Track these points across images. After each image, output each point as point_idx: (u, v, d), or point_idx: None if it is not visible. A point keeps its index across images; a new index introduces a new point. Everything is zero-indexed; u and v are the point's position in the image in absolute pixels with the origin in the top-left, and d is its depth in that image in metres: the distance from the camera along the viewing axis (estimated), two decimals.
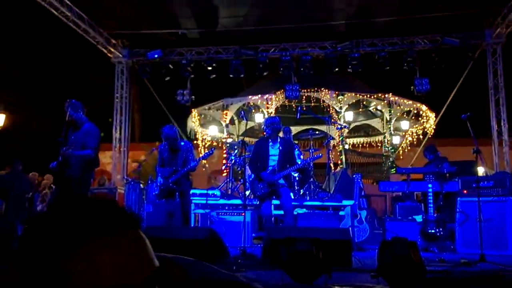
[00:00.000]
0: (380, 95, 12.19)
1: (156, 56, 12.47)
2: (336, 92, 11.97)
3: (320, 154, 7.21)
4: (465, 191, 7.19)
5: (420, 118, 13.05)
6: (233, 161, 9.45)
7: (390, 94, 12.13)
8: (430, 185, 7.28)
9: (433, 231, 6.95)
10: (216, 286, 1.68)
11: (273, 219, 6.84)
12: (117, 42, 12.77)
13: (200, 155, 7.18)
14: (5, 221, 8.98)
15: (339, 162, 12.33)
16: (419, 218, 7.43)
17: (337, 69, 11.90)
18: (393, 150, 13.51)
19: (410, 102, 12.45)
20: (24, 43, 17.28)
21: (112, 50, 12.80)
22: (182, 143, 7.32)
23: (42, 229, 0.78)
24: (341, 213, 8.10)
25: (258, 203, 6.77)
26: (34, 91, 18.11)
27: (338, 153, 12.58)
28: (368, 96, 12.26)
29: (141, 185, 10.54)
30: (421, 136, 13.06)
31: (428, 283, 3.02)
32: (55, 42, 16.15)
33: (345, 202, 8.18)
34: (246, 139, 12.30)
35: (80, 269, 0.73)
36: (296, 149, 7.98)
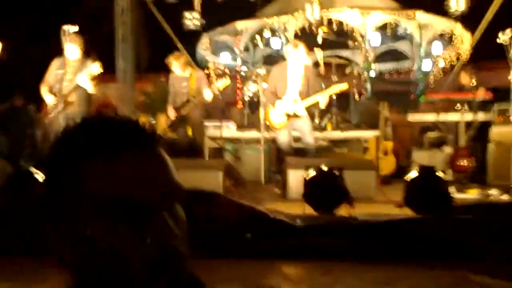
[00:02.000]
0: (409, 13, 11.90)
1: None
2: (361, 12, 11.71)
3: (345, 84, 7.21)
4: (500, 118, 7.22)
5: (453, 41, 12.79)
6: (248, 92, 9.52)
7: (421, 11, 11.85)
8: (462, 114, 7.33)
9: (463, 162, 7.07)
10: (238, 212, 1.84)
11: (292, 150, 6.97)
12: None
13: (215, 84, 7.23)
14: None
15: (363, 90, 12.29)
16: (448, 149, 7.54)
17: None
18: (423, 77, 13.38)
19: (444, 21, 12.16)
20: None
21: None
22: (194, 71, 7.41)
23: (65, 149, 0.86)
24: (365, 144, 8.24)
25: (276, 133, 6.89)
26: (30, 17, 18.01)
27: (363, 81, 12.51)
28: (397, 15, 11.98)
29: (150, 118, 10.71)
30: (454, 60, 12.86)
31: (453, 211, 3.17)
32: None
33: (369, 133, 8.30)
34: (262, 68, 12.27)
35: (95, 177, 0.81)
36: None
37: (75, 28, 6.22)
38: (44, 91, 6.74)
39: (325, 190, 3.46)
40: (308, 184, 3.55)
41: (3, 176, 5.15)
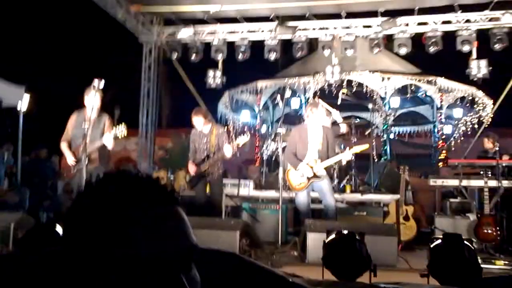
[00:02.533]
0: (430, 79, 11.97)
1: (186, 34, 12.56)
2: (381, 76, 11.82)
3: (366, 145, 7.14)
4: None
5: (475, 106, 12.77)
6: (267, 150, 9.50)
7: (442, 77, 11.90)
8: (486, 180, 7.16)
9: (489, 230, 6.84)
10: (255, 276, 1.74)
11: (310, 211, 6.85)
12: (145, 20, 12.93)
13: (234, 141, 7.22)
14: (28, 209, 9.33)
15: (383, 152, 12.21)
16: (473, 216, 7.32)
17: (382, 50, 11.77)
18: (443, 141, 13.28)
19: (465, 87, 12.18)
20: (50, 22, 17.70)
21: (141, 28, 12.96)
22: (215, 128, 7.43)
23: (88, 203, 0.85)
24: (384, 208, 8.06)
25: (295, 194, 6.80)
26: (61, 72, 18.56)
27: (382, 143, 12.46)
28: (417, 80, 12.06)
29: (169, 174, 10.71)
30: (476, 126, 12.78)
31: (483, 284, 2.99)
32: (82, 20, 16.50)
33: (389, 197, 8.13)
34: (281, 127, 12.32)
35: (114, 236, 0.81)
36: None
37: (102, 83, 6.31)
38: (64, 147, 6.78)
39: (346, 255, 3.31)
40: (328, 248, 3.42)
41: (24, 228, 5.11)
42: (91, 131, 6.41)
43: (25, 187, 10.49)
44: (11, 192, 9.70)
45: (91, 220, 0.83)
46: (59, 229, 4.22)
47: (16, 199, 9.57)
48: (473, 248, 3.14)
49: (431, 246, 3.14)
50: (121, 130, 6.43)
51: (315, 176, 6.48)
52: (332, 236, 3.37)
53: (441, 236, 3.23)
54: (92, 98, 6.45)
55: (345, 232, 3.34)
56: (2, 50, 16.27)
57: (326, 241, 3.40)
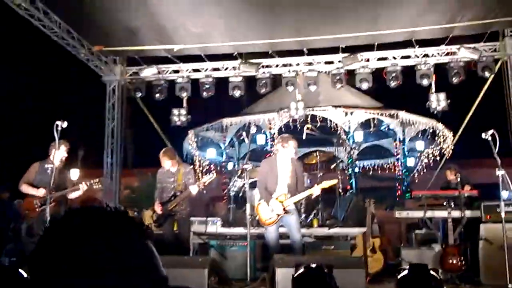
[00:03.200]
0: (392, 112, 12.27)
1: (150, 73, 12.59)
2: (345, 110, 12.05)
3: (335, 180, 7.22)
4: (488, 217, 7.21)
5: (436, 138, 13.11)
6: (234, 187, 9.49)
7: (403, 111, 12.22)
8: (449, 211, 7.31)
9: (454, 261, 6.95)
10: None
11: (279, 246, 6.83)
12: (108, 59, 12.93)
13: (201, 180, 7.25)
14: None
15: (349, 186, 12.35)
16: (438, 247, 7.43)
17: (344, 85, 12.04)
18: (407, 173, 13.54)
19: (426, 120, 12.51)
20: (9, 60, 17.46)
21: (103, 68, 12.93)
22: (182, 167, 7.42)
23: (54, 237, 0.86)
24: (352, 241, 8.12)
25: (264, 229, 6.78)
26: (20, 110, 18.22)
27: (348, 177, 12.61)
28: (380, 114, 12.34)
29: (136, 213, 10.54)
30: (438, 158, 13.09)
31: None
32: (41, 59, 16.35)
33: (356, 230, 8.20)
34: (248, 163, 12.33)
35: (87, 271, 0.80)
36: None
37: (65, 124, 6.28)
38: (25, 187, 7.11)
39: None
40: (297, 282, 3.41)
41: None
42: (57, 179, 6.58)
43: None
44: None
45: (57, 254, 0.82)
46: (22, 272, 4.09)
47: None
48: (439, 277, 3.19)
49: (398, 277, 3.17)
50: (96, 182, 7.10)
51: (284, 211, 6.49)
52: (301, 270, 3.38)
53: (408, 267, 3.27)
54: (60, 152, 6.93)
55: (314, 265, 3.35)
56: None
57: (295, 275, 3.40)
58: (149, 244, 0.90)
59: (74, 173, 10.94)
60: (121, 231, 0.87)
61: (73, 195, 7.12)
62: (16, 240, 10.88)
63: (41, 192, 6.85)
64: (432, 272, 3.16)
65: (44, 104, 17.40)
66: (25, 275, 4.05)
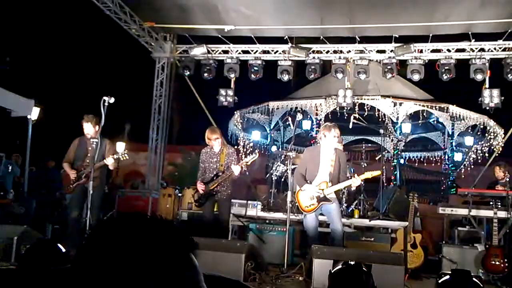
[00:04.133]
0: (442, 106, 11.94)
1: (199, 52, 12.65)
2: (394, 101, 11.81)
3: (378, 171, 7.08)
4: None
5: (486, 134, 12.71)
6: (276, 172, 9.47)
7: (454, 105, 11.87)
8: (495, 210, 7.09)
9: (497, 262, 6.76)
10: None
11: (317, 235, 6.79)
12: (159, 36, 13.06)
13: (243, 160, 7.24)
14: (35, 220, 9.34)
15: (393, 177, 12.15)
16: (481, 247, 7.24)
17: (395, 76, 11.79)
18: (454, 168, 13.20)
19: (477, 115, 12.13)
20: (61, 36, 17.91)
21: (153, 44, 13.08)
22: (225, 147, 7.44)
23: (103, 241, 0.85)
24: (392, 235, 7.99)
25: (303, 216, 6.75)
26: (71, 84, 18.72)
27: (392, 168, 12.41)
28: (429, 106, 12.03)
29: (177, 191, 10.71)
30: (486, 154, 12.71)
31: None
32: (93, 34, 16.68)
33: (397, 223, 8.07)
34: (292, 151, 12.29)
35: (129, 277, 0.80)
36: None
37: (112, 99, 6.39)
38: (65, 166, 7.43)
39: (352, 287, 3.28)
40: (334, 278, 3.39)
41: (27, 242, 5.11)
42: (92, 152, 6.92)
43: (32, 198, 10.51)
44: (17, 203, 9.72)
45: (99, 262, 0.82)
46: (61, 246, 4.22)
47: (21, 210, 9.58)
48: (481, 285, 3.09)
49: (439, 281, 3.10)
50: (123, 154, 7.10)
51: (325, 199, 6.43)
52: (339, 266, 3.35)
53: (450, 272, 3.19)
54: (89, 127, 7.16)
55: (352, 263, 3.31)
56: (17, 64, 16.49)
57: (332, 271, 3.38)
58: (192, 258, 0.89)
59: (120, 146, 11.17)
60: (165, 242, 0.85)
61: (110, 167, 7.29)
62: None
63: (73, 175, 7.24)
64: (474, 279, 3.07)
65: (93, 78, 17.79)
66: (63, 249, 4.20)
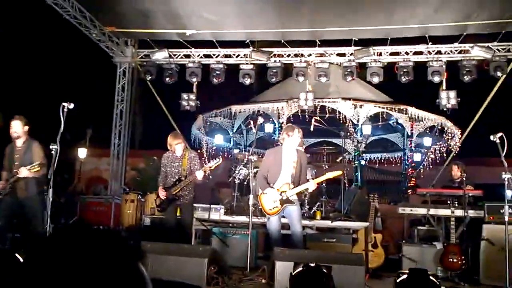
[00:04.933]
0: (401, 107, 12.16)
1: (161, 57, 12.54)
2: (354, 103, 11.96)
3: (339, 171, 7.12)
4: (491, 217, 7.14)
5: (444, 135, 13.00)
6: (238, 175, 9.46)
7: (413, 107, 12.11)
8: (452, 209, 7.26)
9: (454, 259, 6.91)
10: None
11: (280, 237, 6.79)
12: (120, 41, 12.88)
13: (206, 165, 7.21)
14: None
15: (354, 179, 12.29)
16: (439, 245, 7.39)
17: (355, 78, 11.94)
18: (413, 168, 13.46)
19: (434, 117, 12.40)
20: (18, 41, 17.44)
21: (115, 49, 12.89)
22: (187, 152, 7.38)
23: (49, 255, 0.84)
24: (354, 235, 8.08)
25: (266, 219, 6.74)
26: (29, 91, 18.24)
27: (353, 169, 12.55)
28: (389, 108, 12.24)
29: (140, 196, 10.55)
30: (444, 154, 13.00)
31: None
32: (53, 39, 16.31)
33: (359, 224, 8.16)
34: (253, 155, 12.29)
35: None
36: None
37: (71, 105, 6.24)
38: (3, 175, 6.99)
39: None
40: (295, 280, 3.38)
41: None
42: (20, 159, 6.67)
43: None
44: None
45: (44, 273, 0.81)
46: (18, 256, 4.10)
47: None
48: (437, 283, 3.14)
49: (397, 280, 3.13)
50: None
51: (288, 201, 6.43)
52: (299, 268, 3.34)
53: (407, 271, 3.23)
54: (18, 126, 6.77)
55: (312, 265, 3.31)
56: None
57: (293, 273, 3.37)
58: (139, 267, 0.89)
59: (82, 152, 10.88)
60: (112, 252, 0.86)
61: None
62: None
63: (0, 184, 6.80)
64: (431, 277, 3.11)
65: (53, 85, 17.39)
66: (21, 259, 4.07)
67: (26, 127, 6.82)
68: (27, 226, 6.84)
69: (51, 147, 6.84)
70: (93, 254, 0.83)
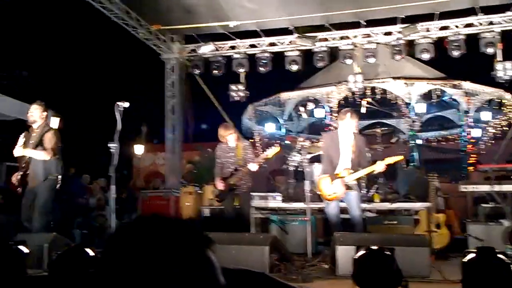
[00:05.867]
0: (455, 83, 11.76)
1: (207, 50, 12.65)
2: (405, 82, 11.65)
3: (401, 156, 6.96)
4: None
5: (503, 108, 12.49)
6: (292, 162, 9.42)
7: (467, 81, 11.68)
8: None
9: None
10: None
11: (340, 222, 6.72)
12: (166, 38, 13.07)
13: (263, 153, 7.19)
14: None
15: (411, 159, 12.00)
16: (506, 222, 7.10)
17: (404, 56, 11.64)
18: (473, 144, 13.01)
19: (491, 90, 11.91)
20: (72, 43, 18.02)
21: (162, 46, 13.10)
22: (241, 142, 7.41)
23: (129, 245, 0.89)
24: (415, 216, 7.89)
25: (325, 204, 6.67)
26: (84, 92, 18.84)
27: (409, 149, 12.26)
28: (442, 84, 11.85)
29: (197, 188, 10.72)
30: (505, 128, 12.48)
31: None
32: (103, 42, 16.75)
33: (419, 205, 7.96)
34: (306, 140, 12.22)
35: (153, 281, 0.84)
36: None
37: (126, 104, 6.37)
38: None
39: (376, 272, 3.22)
40: (358, 264, 3.33)
41: (57, 248, 5.16)
42: (33, 145, 6.59)
43: (56, 204, 10.60)
44: None
45: (120, 264, 0.86)
46: (89, 251, 4.25)
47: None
48: (507, 261, 3.01)
49: (464, 260, 3.02)
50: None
51: (347, 186, 6.34)
52: (362, 252, 3.29)
53: (474, 250, 3.11)
54: (34, 112, 6.74)
55: (375, 247, 3.25)
56: (33, 77, 16.69)
57: (356, 257, 3.32)
58: (208, 254, 0.93)
59: (139, 149, 11.09)
60: (182, 241, 0.90)
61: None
62: (85, 213, 11.39)
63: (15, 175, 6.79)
64: (500, 255, 2.99)
65: (107, 85, 17.89)
66: (91, 253, 4.22)
67: (44, 113, 6.79)
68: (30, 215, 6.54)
69: (109, 145, 7.02)
70: (168, 242, 0.88)
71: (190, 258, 0.88)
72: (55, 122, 11.19)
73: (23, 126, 9.52)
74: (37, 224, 6.40)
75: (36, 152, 6.55)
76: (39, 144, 6.59)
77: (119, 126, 6.49)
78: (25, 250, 4.55)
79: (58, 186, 6.74)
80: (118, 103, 6.39)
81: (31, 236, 5.73)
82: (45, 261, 5.57)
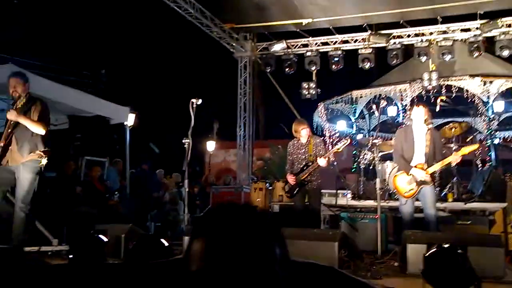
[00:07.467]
0: None
1: (279, 48, 12.78)
2: (483, 80, 11.24)
3: (476, 145, 6.79)
4: None
5: None
6: (364, 160, 9.38)
7: None
8: None
9: None
10: None
11: (413, 221, 6.61)
12: (239, 36, 13.32)
13: (333, 148, 7.22)
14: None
15: (487, 158, 11.58)
16: None
17: (481, 54, 11.24)
18: None
19: None
20: (149, 43, 18.73)
21: (235, 44, 13.36)
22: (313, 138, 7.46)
23: (208, 232, 0.97)
24: (490, 217, 7.65)
25: (400, 202, 6.57)
26: (160, 90, 19.54)
27: (486, 149, 11.83)
28: None
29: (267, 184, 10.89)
30: None
31: None
32: (178, 41, 17.31)
33: (495, 205, 7.71)
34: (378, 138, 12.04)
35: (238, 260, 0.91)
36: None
37: (200, 101, 6.61)
38: None
39: (447, 269, 3.21)
40: (428, 261, 3.33)
41: (133, 238, 5.46)
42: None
43: (133, 198, 11.12)
44: (120, 204, 10.30)
45: (207, 252, 0.94)
46: (164, 241, 4.50)
47: (125, 210, 10.15)
48: None
49: None
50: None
51: (424, 182, 6.22)
52: (433, 249, 3.29)
53: None
54: (15, 86, 5.54)
55: (446, 245, 3.25)
56: (111, 75, 17.51)
57: (427, 254, 3.33)
58: (282, 236, 1.03)
59: (210, 145, 11.36)
60: (259, 224, 0.97)
61: None
62: (159, 207, 11.88)
63: None
64: None
65: (181, 83, 18.45)
66: (165, 243, 4.46)
67: (27, 84, 5.60)
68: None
69: (184, 141, 7.28)
70: (247, 228, 0.95)
71: (269, 239, 0.96)
72: (131, 118, 11.76)
73: (103, 122, 10.08)
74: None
75: (32, 123, 5.47)
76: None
77: (192, 122, 6.75)
78: (104, 239, 4.87)
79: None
80: (192, 100, 6.64)
81: (109, 227, 6.12)
82: (122, 250, 5.91)
